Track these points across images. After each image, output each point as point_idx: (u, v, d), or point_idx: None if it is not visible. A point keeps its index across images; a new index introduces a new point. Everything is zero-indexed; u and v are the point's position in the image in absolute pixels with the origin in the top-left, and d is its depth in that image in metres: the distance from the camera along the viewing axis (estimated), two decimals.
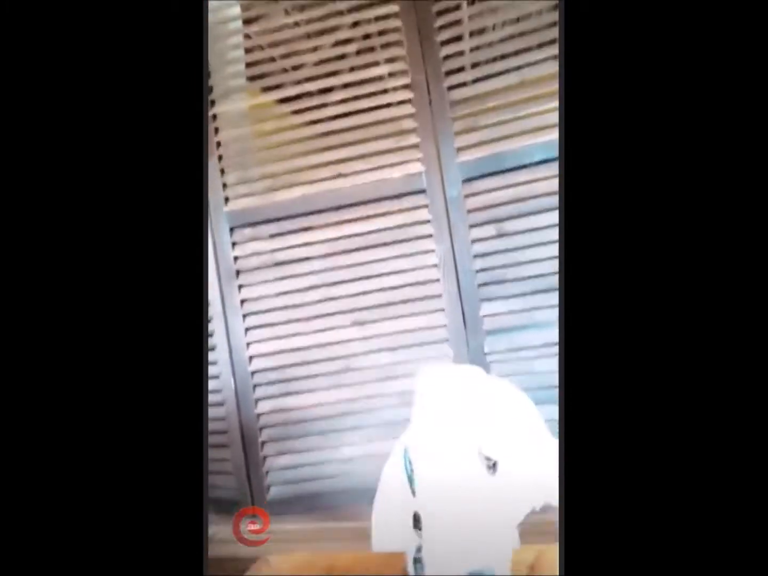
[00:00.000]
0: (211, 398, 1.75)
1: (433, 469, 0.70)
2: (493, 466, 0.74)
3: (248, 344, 1.75)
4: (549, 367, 1.47)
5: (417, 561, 0.61)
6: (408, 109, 1.67)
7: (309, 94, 1.79)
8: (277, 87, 1.82)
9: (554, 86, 1.53)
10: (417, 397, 0.75)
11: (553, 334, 1.48)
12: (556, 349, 1.45)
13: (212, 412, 1.76)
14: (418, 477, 0.73)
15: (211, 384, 1.75)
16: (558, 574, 0.34)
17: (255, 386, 1.74)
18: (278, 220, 1.78)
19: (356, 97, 1.72)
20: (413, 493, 0.72)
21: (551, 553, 0.54)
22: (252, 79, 1.86)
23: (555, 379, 1.29)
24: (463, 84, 1.65)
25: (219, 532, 1.71)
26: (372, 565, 0.56)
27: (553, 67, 1.53)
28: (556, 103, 1.53)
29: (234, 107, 1.83)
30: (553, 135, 1.52)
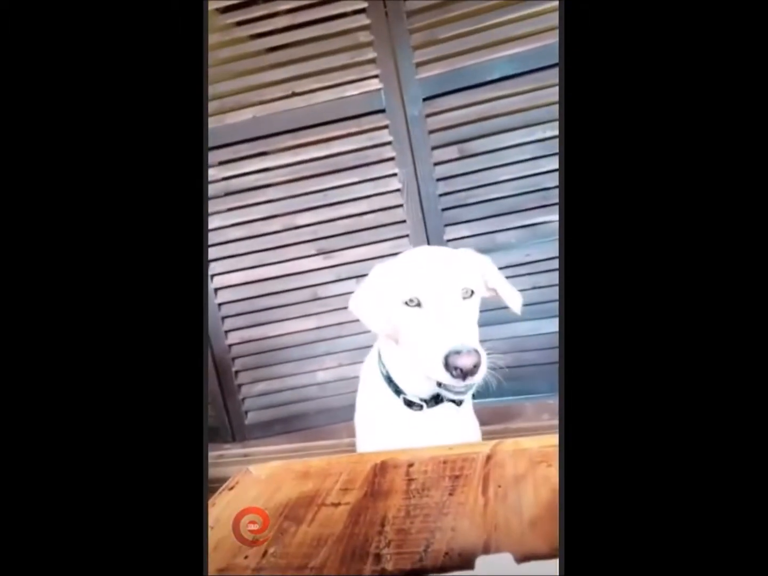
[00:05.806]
0: None
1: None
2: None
3: (212, 276, 1.72)
4: None
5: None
6: (362, 19, 1.56)
7: (254, 3, 1.61)
8: None
9: None
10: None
11: (516, 256, 1.54)
12: (519, 270, 1.51)
13: None
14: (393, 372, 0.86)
15: None
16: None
17: (223, 318, 1.74)
18: (230, 144, 1.68)
19: (307, 6, 1.57)
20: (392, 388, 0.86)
21: (506, 445, 0.59)
22: None
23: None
24: None
25: None
26: (345, 467, 0.61)
27: None
28: (520, 12, 1.46)
29: None
30: (517, 48, 1.47)
